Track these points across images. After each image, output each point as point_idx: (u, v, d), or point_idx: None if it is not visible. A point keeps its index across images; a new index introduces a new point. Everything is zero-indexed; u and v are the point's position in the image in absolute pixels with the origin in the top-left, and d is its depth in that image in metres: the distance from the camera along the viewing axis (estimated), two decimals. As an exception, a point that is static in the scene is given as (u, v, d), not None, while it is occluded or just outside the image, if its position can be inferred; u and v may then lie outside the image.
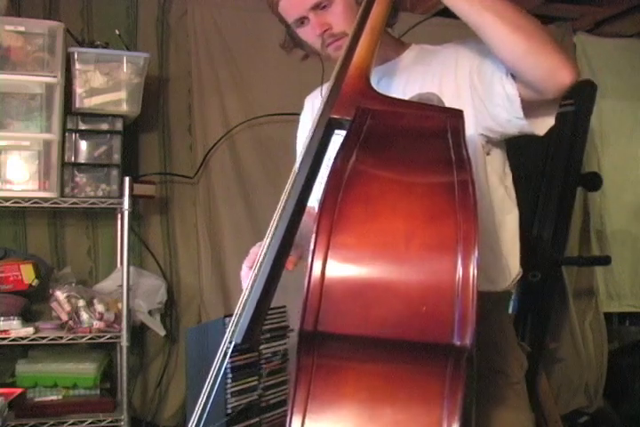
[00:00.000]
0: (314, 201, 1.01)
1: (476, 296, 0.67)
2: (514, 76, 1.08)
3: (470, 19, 1.04)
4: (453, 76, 1.17)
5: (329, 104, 0.93)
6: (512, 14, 1.02)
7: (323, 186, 0.75)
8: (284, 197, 0.92)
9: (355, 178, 0.75)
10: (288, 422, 0.70)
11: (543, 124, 1.14)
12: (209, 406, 0.94)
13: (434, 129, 0.85)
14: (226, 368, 1.86)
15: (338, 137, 0.88)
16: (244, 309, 0.87)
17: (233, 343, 0.87)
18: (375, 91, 0.96)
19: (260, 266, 0.87)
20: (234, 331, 0.87)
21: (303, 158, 0.91)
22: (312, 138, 0.92)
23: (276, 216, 0.90)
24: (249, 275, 0.97)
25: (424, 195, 0.73)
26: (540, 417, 2.55)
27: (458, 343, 0.67)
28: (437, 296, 0.68)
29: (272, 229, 0.89)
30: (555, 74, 1.02)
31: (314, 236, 0.70)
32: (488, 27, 1.03)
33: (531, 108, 1.10)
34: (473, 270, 0.68)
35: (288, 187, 0.92)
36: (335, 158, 0.78)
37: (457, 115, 0.87)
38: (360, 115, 0.87)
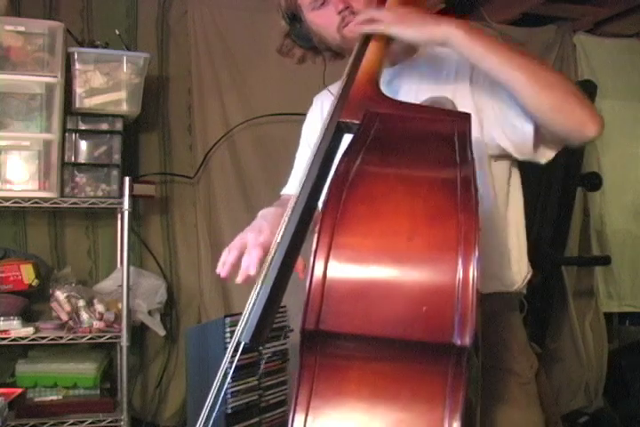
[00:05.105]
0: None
1: (477, 296, 0.68)
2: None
3: (500, 76, 1.04)
4: (468, 90, 1.16)
5: (338, 108, 0.94)
6: (540, 71, 1.03)
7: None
8: (292, 199, 0.92)
9: (359, 179, 0.75)
10: (291, 419, 0.70)
11: (545, 155, 1.14)
12: (217, 406, 0.93)
13: (441, 132, 0.85)
14: (227, 368, 1.85)
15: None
16: (252, 308, 0.86)
17: (242, 343, 0.87)
18: (384, 95, 0.96)
19: (269, 266, 0.87)
20: (242, 330, 0.86)
21: (312, 161, 0.92)
22: (321, 141, 0.93)
23: (284, 219, 0.91)
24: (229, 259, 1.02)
25: (427, 195, 0.74)
26: (540, 417, 2.54)
27: (458, 343, 0.67)
28: (438, 296, 0.68)
29: (281, 232, 0.90)
30: (582, 128, 1.04)
31: (316, 235, 0.71)
32: (517, 84, 1.03)
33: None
34: (473, 270, 0.68)
35: (297, 190, 0.92)
36: (340, 160, 0.79)
37: (464, 118, 0.88)
38: (368, 118, 0.88)
